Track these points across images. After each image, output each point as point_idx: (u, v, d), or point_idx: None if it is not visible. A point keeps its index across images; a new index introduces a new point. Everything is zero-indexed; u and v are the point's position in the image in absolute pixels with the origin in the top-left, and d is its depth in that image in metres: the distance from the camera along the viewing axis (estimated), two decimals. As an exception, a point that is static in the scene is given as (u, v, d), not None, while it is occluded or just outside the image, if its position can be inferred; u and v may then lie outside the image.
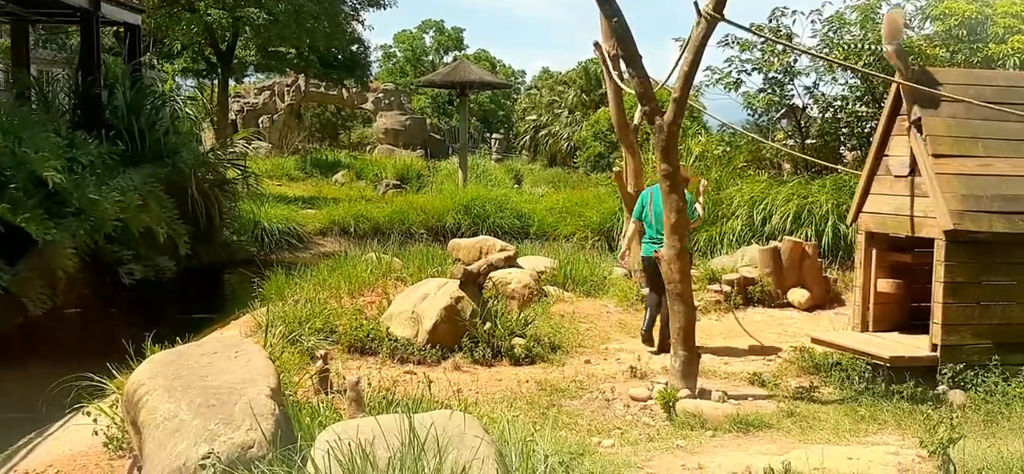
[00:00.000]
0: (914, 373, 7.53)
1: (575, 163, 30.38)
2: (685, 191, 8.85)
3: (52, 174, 10.62)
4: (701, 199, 9.49)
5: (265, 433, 4.55)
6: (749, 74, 16.41)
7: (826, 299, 11.19)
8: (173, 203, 13.64)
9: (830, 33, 15.60)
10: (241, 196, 17.65)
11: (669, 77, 8.48)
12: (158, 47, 26.04)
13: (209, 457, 4.36)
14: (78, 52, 16.59)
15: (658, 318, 8.86)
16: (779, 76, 16.26)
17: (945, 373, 7.38)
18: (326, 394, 6.66)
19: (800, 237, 12.75)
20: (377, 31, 77.96)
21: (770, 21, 16.13)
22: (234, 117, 34.17)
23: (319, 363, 6.96)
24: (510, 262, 10.80)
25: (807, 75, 16.36)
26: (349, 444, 4.13)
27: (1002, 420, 6.75)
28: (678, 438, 6.50)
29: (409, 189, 26.56)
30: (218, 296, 14.57)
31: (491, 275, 9.90)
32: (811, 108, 16.84)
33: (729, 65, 16.39)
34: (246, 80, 38.00)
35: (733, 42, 16.15)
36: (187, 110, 18.21)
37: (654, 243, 8.73)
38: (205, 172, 15.93)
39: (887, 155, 8.32)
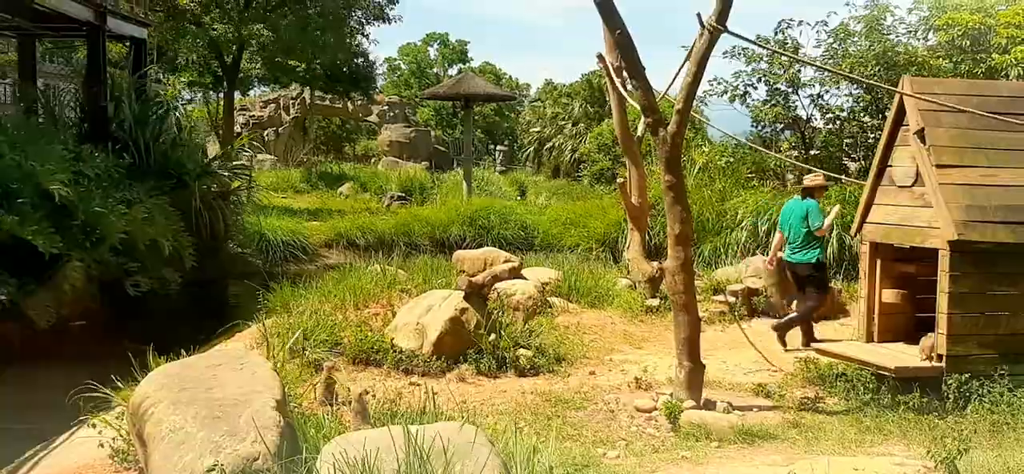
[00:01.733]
0: (919, 384, 7.51)
1: (579, 175, 30.39)
2: (815, 202, 9.29)
3: (59, 187, 10.66)
4: (832, 212, 9.73)
5: (270, 445, 4.56)
6: (755, 88, 16.48)
7: (831, 310, 11.16)
8: (178, 215, 13.66)
9: (835, 44, 15.64)
10: (245, 208, 17.67)
11: (670, 86, 8.50)
12: (164, 61, 26.14)
13: (214, 469, 4.38)
14: (84, 66, 16.67)
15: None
16: (784, 87, 16.31)
17: (950, 383, 7.36)
18: (331, 405, 6.66)
19: (805, 248, 12.72)
20: (382, 44, 78.14)
21: (776, 33, 16.19)
22: (240, 130, 34.27)
23: (324, 373, 6.96)
24: (515, 273, 10.79)
25: (812, 86, 16.43)
26: (354, 457, 4.14)
27: (1008, 431, 6.73)
28: (683, 449, 6.50)
29: (414, 201, 26.55)
30: (223, 308, 14.57)
31: (496, 286, 9.90)
32: (815, 119, 16.89)
33: (736, 78, 16.47)
34: (251, 93, 38.13)
35: (739, 53, 16.21)
36: (191, 120, 18.24)
37: (792, 251, 9.55)
38: (210, 184, 15.97)
39: (891, 166, 8.33)
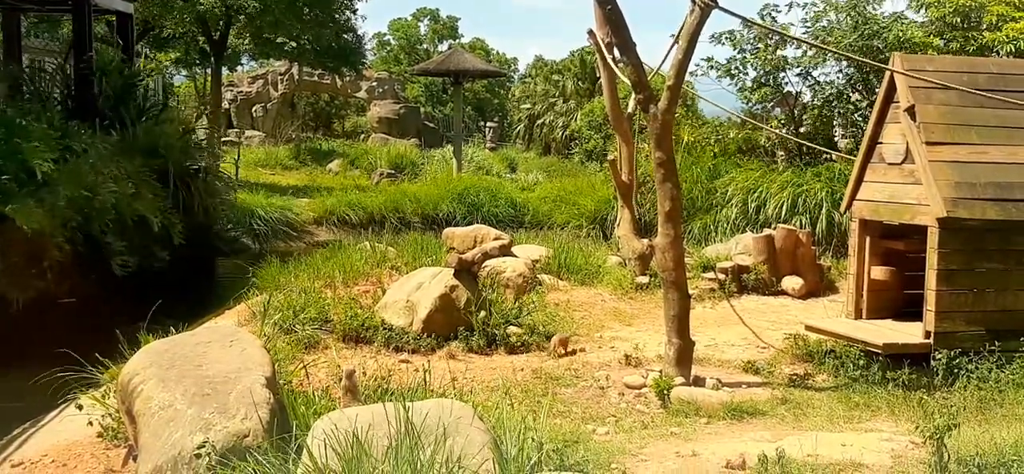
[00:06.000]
0: (908, 360, 7.56)
1: (570, 152, 30.32)
2: None
3: (44, 164, 10.58)
4: None
5: (260, 422, 4.55)
6: (746, 73, 16.49)
7: (820, 287, 11.22)
8: (166, 192, 13.58)
9: (818, 22, 15.67)
10: (233, 184, 17.58)
11: (662, 63, 8.48)
12: (150, 36, 25.89)
13: (204, 446, 4.36)
14: (70, 41, 16.49)
15: None
16: (771, 68, 16.32)
17: (939, 359, 7.41)
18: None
19: (794, 225, 12.77)
20: (372, 19, 77.65)
21: (762, 16, 16.19)
22: (227, 106, 34.01)
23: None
24: (505, 251, 10.78)
25: (799, 66, 16.43)
26: (345, 433, 4.13)
27: (995, 406, 6.78)
28: (672, 425, 6.53)
29: (403, 178, 26.45)
30: (212, 286, 14.52)
31: (485, 264, 9.90)
32: (804, 94, 16.91)
33: (730, 63, 16.47)
34: (239, 69, 37.83)
35: (724, 40, 16.25)
36: (178, 97, 18.10)
37: None
38: (197, 161, 15.85)
39: (881, 143, 8.34)
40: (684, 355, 7.40)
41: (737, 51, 16.32)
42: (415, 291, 8.80)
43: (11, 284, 10.16)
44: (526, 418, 5.18)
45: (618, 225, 13.65)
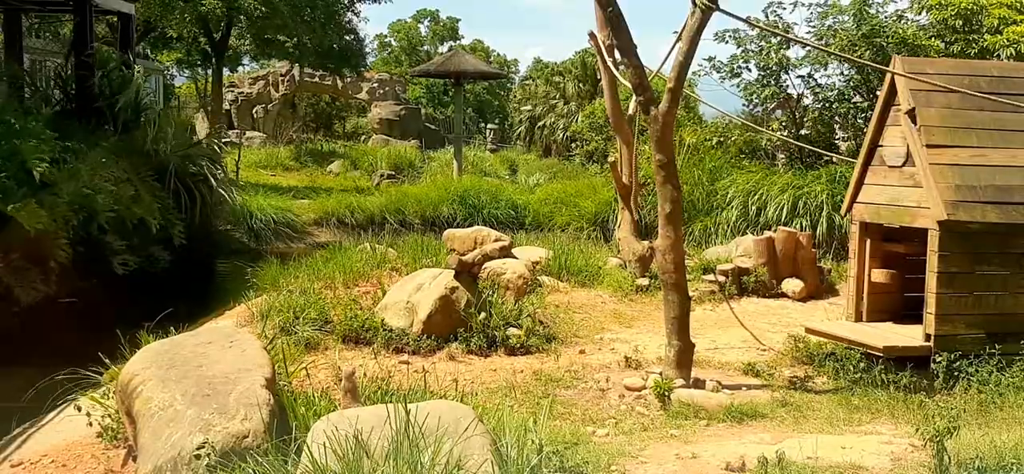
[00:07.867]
0: (909, 363, 7.55)
1: (571, 154, 30.34)
2: None
3: (42, 166, 10.59)
4: None
5: (260, 423, 4.56)
6: (750, 70, 16.50)
7: (820, 289, 11.20)
8: (166, 193, 13.59)
9: (823, 23, 15.66)
10: (233, 186, 17.58)
11: (662, 65, 8.49)
12: (151, 36, 25.92)
13: (204, 447, 4.37)
14: (71, 41, 16.50)
15: None
16: (774, 68, 16.32)
17: (939, 362, 7.41)
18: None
19: (795, 227, 12.76)
20: (373, 21, 77.68)
21: (766, 14, 16.19)
22: (228, 107, 34.03)
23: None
24: (505, 252, 10.76)
25: (802, 67, 16.44)
26: (345, 434, 4.13)
27: (995, 410, 6.78)
28: (672, 427, 6.53)
29: (404, 179, 26.46)
30: (212, 287, 14.52)
31: (486, 265, 9.89)
32: (806, 96, 16.91)
33: (733, 62, 16.45)
34: (240, 69, 37.86)
35: (729, 38, 16.23)
36: (179, 97, 18.10)
37: None
38: (197, 162, 15.84)
39: (881, 145, 8.34)
40: (684, 357, 7.40)
41: (740, 50, 16.33)
42: (415, 292, 8.79)
43: (15, 285, 10.17)
44: (526, 420, 5.18)
45: (619, 227, 13.67)
